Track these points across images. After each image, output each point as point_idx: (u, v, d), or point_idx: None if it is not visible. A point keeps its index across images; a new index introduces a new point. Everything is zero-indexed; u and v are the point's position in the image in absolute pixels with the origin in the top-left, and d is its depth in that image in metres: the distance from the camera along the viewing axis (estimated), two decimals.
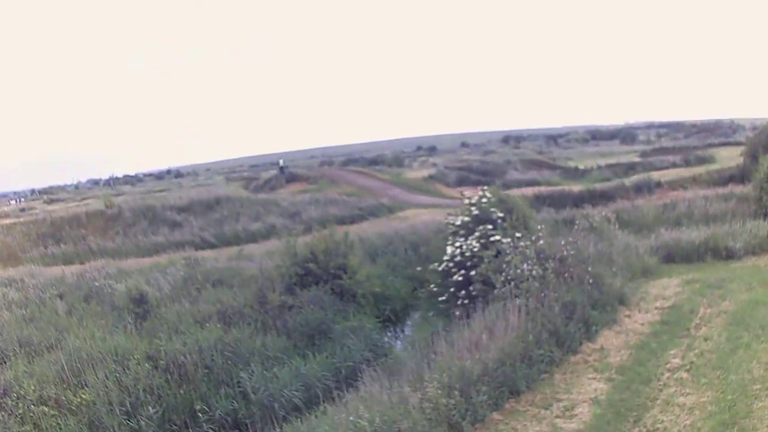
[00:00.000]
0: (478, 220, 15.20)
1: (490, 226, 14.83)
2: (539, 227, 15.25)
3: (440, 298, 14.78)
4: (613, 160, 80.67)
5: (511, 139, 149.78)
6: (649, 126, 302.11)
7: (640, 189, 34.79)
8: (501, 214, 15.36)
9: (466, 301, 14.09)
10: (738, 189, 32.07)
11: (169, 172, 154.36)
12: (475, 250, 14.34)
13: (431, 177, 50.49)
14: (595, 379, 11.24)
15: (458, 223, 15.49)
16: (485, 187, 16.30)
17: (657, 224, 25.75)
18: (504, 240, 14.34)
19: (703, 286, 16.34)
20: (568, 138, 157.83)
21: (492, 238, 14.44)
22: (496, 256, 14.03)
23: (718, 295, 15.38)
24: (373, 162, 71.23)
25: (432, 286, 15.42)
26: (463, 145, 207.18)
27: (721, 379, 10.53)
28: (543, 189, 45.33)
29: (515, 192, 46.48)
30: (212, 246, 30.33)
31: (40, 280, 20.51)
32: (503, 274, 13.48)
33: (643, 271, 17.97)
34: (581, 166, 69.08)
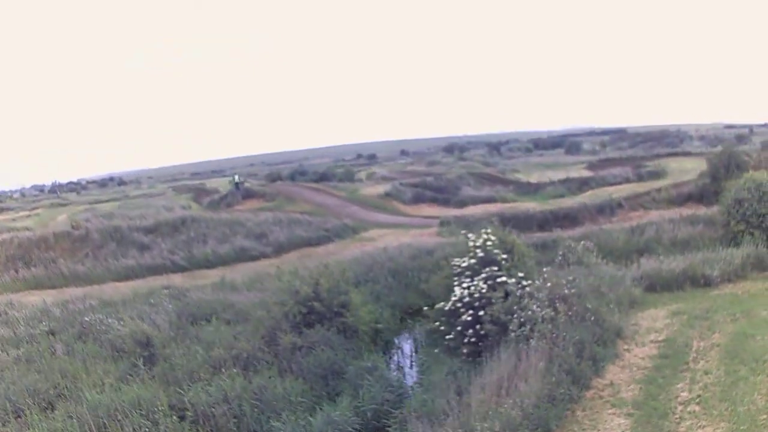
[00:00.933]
0: (484, 262, 16.60)
1: (495, 268, 16.27)
2: (544, 269, 16.96)
3: (447, 337, 16.08)
4: (561, 173, 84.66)
5: (454, 148, 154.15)
6: (590, 132, 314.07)
7: (602, 210, 37.22)
8: (504, 256, 16.81)
9: (473, 339, 15.50)
10: (701, 211, 34.97)
11: (112, 179, 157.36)
12: (483, 291, 15.74)
13: (387, 194, 52.11)
14: (615, 414, 12.68)
15: (464, 264, 16.75)
16: (488, 230, 17.62)
17: (629, 250, 28.03)
18: (509, 281, 15.88)
19: (690, 317, 18.28)
20: (510, 147, 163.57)
21: (498, 279, 15.91)
22: (505, 298, 15.53)
23: (706, 326, 17.35)
24: (324, 176, 72.25)
25: (437, 324, 16.69)
26: (403, 153, 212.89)
27: (730, 411, 12.19)
28: (505, 210, 47.51)
29: (471, 210, 48.90)
30: (183, 269, 31.30)
31: (24, 313, 20.74)
32: (515, 315, 15.00)
33: (631, 302, 19.83)
34: (532, 180, 72.28)
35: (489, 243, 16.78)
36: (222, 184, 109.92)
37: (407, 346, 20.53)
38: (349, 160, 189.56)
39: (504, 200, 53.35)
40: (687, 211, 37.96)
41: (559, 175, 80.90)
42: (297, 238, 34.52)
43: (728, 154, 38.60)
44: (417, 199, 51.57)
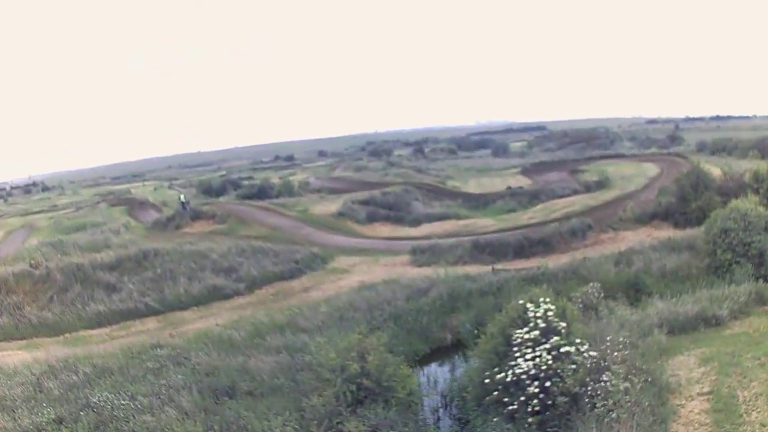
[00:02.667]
0: (545, 332, 17.27)
1: (557, 337, 17.01)
2: (608, 338, 17.94)
3: (510, 407, 16.64)
4: (498, 180, 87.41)
5: (380, 152, 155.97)
6: (508, 129, 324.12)
7: (574, 233, 38.98)
8: (564, 324, 17.58)
9: (537, 409, 16.22)
10: (672, 232, 37.29)
11: (35, 184, 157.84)
12: (549, 362, 16.47)
13: (341, 214, 52.52)
14: None
15: (527, 336, 17.30)
16: (547, 300, 18.16)
17: (620, 283, 29.53)
18: (571, 349, 16.70)
19: (721, 365, 19.65)
20: (433, 148, 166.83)
21: (563, 350, 16.67)
22: (575, 370, 16.35)
23: (740, 374, 18.75)
24: (262, 189, 71.59)
25: (497, 393, 17.20)
26: (321, 154, 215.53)
27: None
28: (462, 229, 48.96)
29: (427, 229, 49.98)
30: (156, 311, 30.70)
31: (16, 391, 19.39)
32: (589, 388, 15.85)
33: (660, 351, 21.19)
34: (474, 191, 74.35)
35: (550, 313, 17.44)
36: (148, 192, 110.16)
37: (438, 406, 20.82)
38: (267, 161, 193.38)
39: (457, 216, 54.77)
40: (659, 233, 40.32)
41: (497, 183, 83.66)
42: (268, 272, 34.43)
43: (696, 174, 41.06)
44: (371, 218, 52.17)
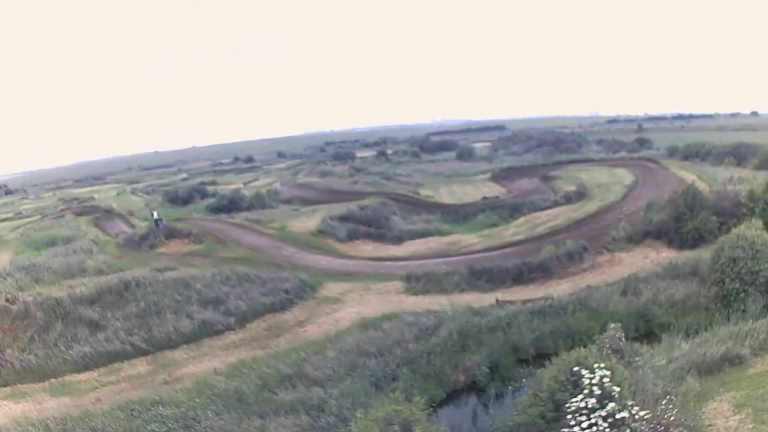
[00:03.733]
0: (601, 398, 17.04)
1: (612, 404, 16.80)
2: (662, 402, 17.87)
3: None
4: (470, 188, 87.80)
5: (342, 155, 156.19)
6: (467, 129, 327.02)
7: (571, 257, 39.04)
8: (617, 388, 17.39)
9: None
10: (673, 255, 37.56)
11: None
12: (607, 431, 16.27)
13: (321, 231, 51.87)
14: None
15: (582, 405, 17.02)
16: (602, 365, 17.87)
17: (630, 314, 29.62)
18: (627, 415, 16.53)
19: (755, 411, 19.64)
20: (395, 151, 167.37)
21: (618, 416, 16.48)
22: None
23: None
24: (233, 202, 70.57)
25: None
26: (280, 155, 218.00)
27: None
28: (449, 248, 48.82)
29: (410, 247, 49.76)
30: (145, 352, 29.43)
31: None
32: None
33: (693, 396, 21.25)
34: (448, 200, 74.46)
35: (606, 380, 17.21)
36: (111, 198, 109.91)
37: None
38: (227, 163, 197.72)
39: (439, 232, 54.64)
40: (655, 254, 40.63)
41: (469, 191, 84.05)
42: (258, 304, 33.40)
43: (692, 194, 41.48)
44: (351, 236, 51.66)
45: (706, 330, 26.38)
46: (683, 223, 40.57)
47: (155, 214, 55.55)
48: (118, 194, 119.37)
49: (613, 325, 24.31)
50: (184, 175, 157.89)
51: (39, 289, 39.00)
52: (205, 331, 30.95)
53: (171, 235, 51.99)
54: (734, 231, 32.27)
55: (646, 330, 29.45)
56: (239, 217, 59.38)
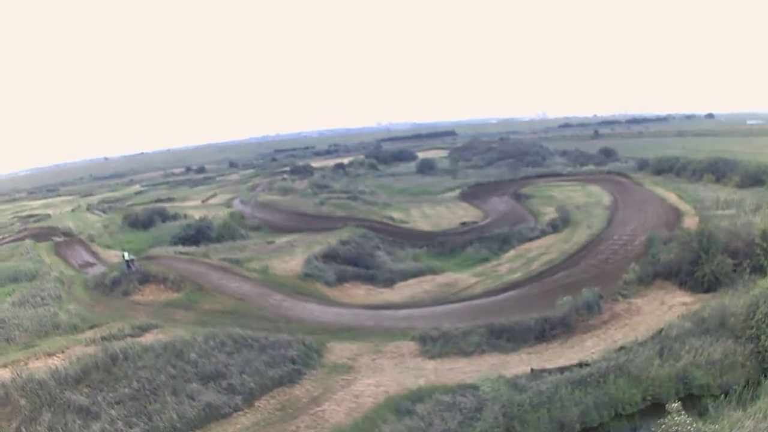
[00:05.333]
0: None
1: None
2: None
3: None
4: (442, 209, 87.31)
5: (300, 169, 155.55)
6: (418, 135, 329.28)
7: (590, 307, 38.55)
8: None
9: None
10: (697, 306, 37.30)
11: None
12: None
13: (307, 275, 50.28)
14: None
15: None
16: None
17: (670, 378, 29.30)
18: None
19: None
20: (351, 161, 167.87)
21: None
22: None
23: None
24: (200, 231, 68.09)
25: None
26: (231, 164, 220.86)
27: None
28: (447, 291, 47.89)
29: (405, 290, 48.77)
30: None
31: None
32: None
33: None
34: (428, 227, 73.79)
35: None
36: (66, 215, 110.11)
37: None
38: (179, 174, 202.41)
39: (431, 270, 53.62)
40: (669, 297, 40.50)
41: (444, 213, 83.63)
42: (264, 377, 31.30)
43: (707, 235, 41.49)
44: (340, 278, 50.05)
45: (744, 389, 27.22)
46: (698, 266, 40.48)
47: (126, 255, 52.93)
48: (73, 210, 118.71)
49: (675, 405, 23.89)
50: (138, 187, 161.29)
51: (12, 355, 36.82)
52: (212, 415, 28.87)
53: (145, 279, 49.55)
54: (762, 283, 32.51)
55: (685, 392, 29.07)
56: (215, 256, 57.01)
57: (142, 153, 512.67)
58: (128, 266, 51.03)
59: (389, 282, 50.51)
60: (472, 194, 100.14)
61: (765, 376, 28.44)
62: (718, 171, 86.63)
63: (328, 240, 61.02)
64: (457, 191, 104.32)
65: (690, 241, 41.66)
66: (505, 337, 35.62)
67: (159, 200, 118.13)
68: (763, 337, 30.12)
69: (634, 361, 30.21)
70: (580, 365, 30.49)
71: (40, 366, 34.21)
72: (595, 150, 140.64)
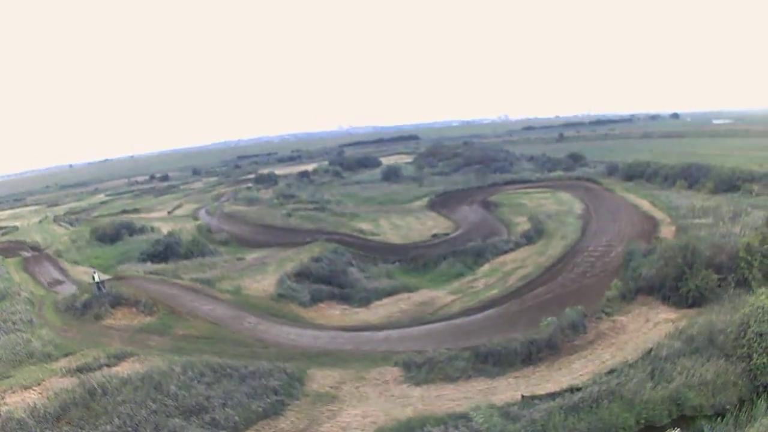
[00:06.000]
0: None
1: None
2: None
3: None
4: (411, 219, 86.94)
5: (265, 178, 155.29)
6: (378, 139, 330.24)
7: (575, 327, 38.40)
8: None
9: None
10: (683, 323, 37.34)
11: None
12: None
13: (281, 296, 49.50)
14: None
15: None
16: None
17: (663, 400, 29.35)
18: None
19: None
20: (315, 168, 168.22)
21: None
22: None
23: None
24: (169, 247, 67.00)
25: None
26: (195, 172, 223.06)
27: None
28: (424, 311, 47.42)
29: (381, 309, 48.17)
30: None
31: None
32: None
33: None
34: (398, 239, 73.28)
35: None
36: (33, 227, 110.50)
37: None
38: (143, 182, 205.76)
39: (406, 288, 53.06)
40: (654, 314, 40.53)
41: (413, 225, 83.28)
42: (247, 410, 30.56)
43: (691, 250, 41.64)
44: (315, 298, 49.36)
45: (739, 409, 27.60)
46: (682, 282, 40.64)
47: (96, 276, 51.64)
48: (40, 222, 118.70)
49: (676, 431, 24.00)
50: (102, 197, 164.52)
51: None
52: None
53: (117, 302, 48.39)
54: (751, 300, 32.89)
55: (678, 414, 29.26)
56: (186, 276, 56.03)
57: (106, 160, 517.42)
58: (99, 288, 49.87)
59: (364, 301, 49.96)
60: (441, 203, 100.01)
61: (757, 394, 28.91)
62: (690, 176, 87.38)
63: (300, 256, 60.36)
64: (425, 200, 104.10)
65: (674, 256, 41.79)
66: (491, 362, 35.26)
67: (125, 211, 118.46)
68: (755, 355, 30.50)
69: (627, 384, 30.20)
70: (571, 390, 30.37)
71: (17, 401, 33.26)
72: (563, 154, 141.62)
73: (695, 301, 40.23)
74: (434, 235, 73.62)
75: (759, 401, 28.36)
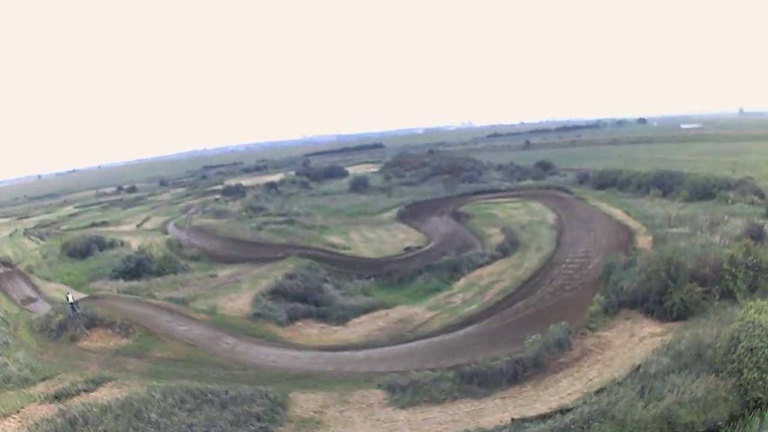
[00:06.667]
0: None
1: None
2: None
3: None
4: (382, 232, 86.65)
5: (232, 190, 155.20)
6: (342, 149, 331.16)
7: (560, 344, 38.26)
8: None
9: None
10: (670, 337, 37.32)
11: None
12: None
13: (258, 315, 48.99)
14: None
15: None
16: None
17: (654, 421, 29.23)
18: None
19: None
20: (282, 179, 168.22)
21: None
22: None
23: None
24: (140, 264, 66.17)
25: None
26: (162, 183, 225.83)
27: None
28: (403, 329, 47.03)
29: (359, 328, 47.79)
30: None
31: None
32: None
33: None
34: (371, 253, 72.97)
35: None
36: (3, 240, 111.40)
37: None
38: (110, 194, 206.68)
39: (383, 305, 52.68)
40: (638, 328, 40.53)
41: (384, 237, 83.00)
42: None
43: (675, 264, 41.78)
44: (291, 317, 48.95)
45: (729, 425, 27.87)
46: (667, 295, 40.78)
47: (70, 297, 50.66)
48: (11, 235, 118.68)
49: None
50: (71, 209, 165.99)
51: None
52: None
53: (92, 323, 47.48)
54: (740, 315, 32.97)
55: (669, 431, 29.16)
56: (160, 294, 55.34)
57: (74, 170, 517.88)
58: (73, 309, 48.97)
59: (342, 319, 49.58)
60: (410, 214, 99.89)
61: (749, 410, 29.03)
62: (664, 184, 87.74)
63: (273, 273, 59.90)
64: (394, 211, 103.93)
65: (657, 270, 41.89)
66: (477, 382, 34.98)
67: (93, 224, 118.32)
68: (745, 370, 30.47)
69: (617, 403, 30.02)
70: (561, 411, 30.20)
71: None
72: (531, 162, 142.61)
73: (680, 314, 40.31)
74: (407, 249, 73.37)
75: (751, 417, 28.42)
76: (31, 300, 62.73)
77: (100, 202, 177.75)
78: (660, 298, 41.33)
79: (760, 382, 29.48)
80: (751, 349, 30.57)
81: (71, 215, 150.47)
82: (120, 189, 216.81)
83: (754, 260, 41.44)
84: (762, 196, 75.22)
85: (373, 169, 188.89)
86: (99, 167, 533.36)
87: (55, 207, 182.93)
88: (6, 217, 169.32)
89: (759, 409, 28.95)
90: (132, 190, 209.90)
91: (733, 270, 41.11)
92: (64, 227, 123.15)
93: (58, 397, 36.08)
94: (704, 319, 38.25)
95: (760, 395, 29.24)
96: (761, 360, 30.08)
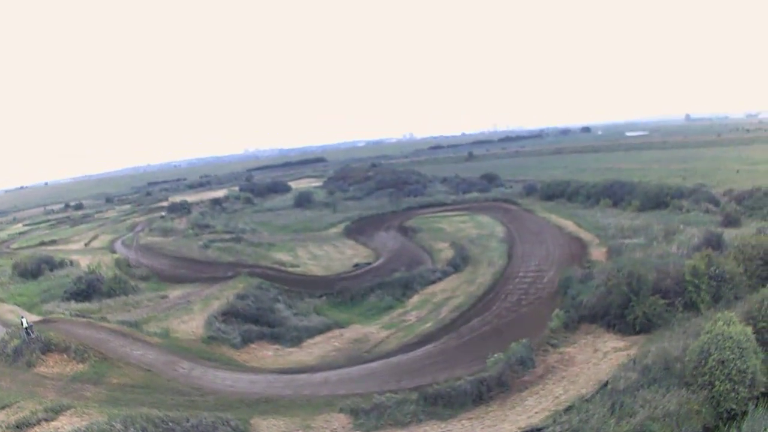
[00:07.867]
0: None
1: None
2: None
3: None
4: (330, 248, 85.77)
5: (178, 207, 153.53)
6: (285, 163, 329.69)
7: (523, 362, 37.66)
8: None
9: None
10: (634, 351, 37.08)
11: None
12: None
13: (212, 338, 47.56)
14: None
15: None
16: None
17: None
18: None
19: None
20: (227, 195, 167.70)
21: None
22: None
23: None
24: (92, 285, 64.65)
25: None
26: (108, 200, 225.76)
27: None
28: (359, 348, 46.15)
29: (314, 349, 46.73)
30: None
31: None
32: None
33: None
34: (320, 271, 71.95)
35: None
36: None
37: None
38: (58, 211, 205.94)
39: (337, 324, 51.80)
40: (601, 343, 40.31)
41: (333, 254, 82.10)
42: None
43: (637, 277, 41.59)
44: (245, 339, 47.99)
45: None
46: (629, 309, 40.57)
47: (24, 321, 48.62)
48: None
49: None
50: (21, 227, 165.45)
51: None
52: None
53: (47, 348, 45.55)
54: (708, 327, 32.77)
55: None
56: (112, 317, 53.53)
57: (22, 187, 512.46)
58: (28, 333, 46.99)
59: (296, 341, 48.57)
60: (357, 229, 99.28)
61: (723, 421, 29.19)
62: (615, 194, 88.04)
63: (225, 294, 58.47)
64: (341, 226, 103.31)
65: (619, 284, 41.69)
66: (441, 404, 34.13)
67: (43, 243, 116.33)
68: (717, 382, 30.38)
69: (589, 421, 29.56)
70: (531, 431, 29.64)
71: None
72: (476, 174, 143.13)
73: (642, 327, 40.14)
74: (356, 265, 72.62)
75: (726, 428, 28.36)
76: None
77: (48, 220, 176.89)
78: (621, 311, 41.09)
79: (733, 394, 29.52)
80: (723, 362, 30.44)
81: (21, 233, 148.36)
82: (67, 206, 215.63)
83: (717, 270, 41.42)
84: (717, 203, 76.05)
85: (316, 183, 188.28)
86: (46, 184, 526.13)
87: (5, 225, 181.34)
88: None
89: (734, 421, 28.79)
90: (79, 207, 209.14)
91: (696, 281, 41.13)
92: (14, 246, 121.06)
93: (19, 426, 34.30)
94: (668, 332, 38.06)
95: (734, 406, 29.31)
96: (733, 372, 30.05)
